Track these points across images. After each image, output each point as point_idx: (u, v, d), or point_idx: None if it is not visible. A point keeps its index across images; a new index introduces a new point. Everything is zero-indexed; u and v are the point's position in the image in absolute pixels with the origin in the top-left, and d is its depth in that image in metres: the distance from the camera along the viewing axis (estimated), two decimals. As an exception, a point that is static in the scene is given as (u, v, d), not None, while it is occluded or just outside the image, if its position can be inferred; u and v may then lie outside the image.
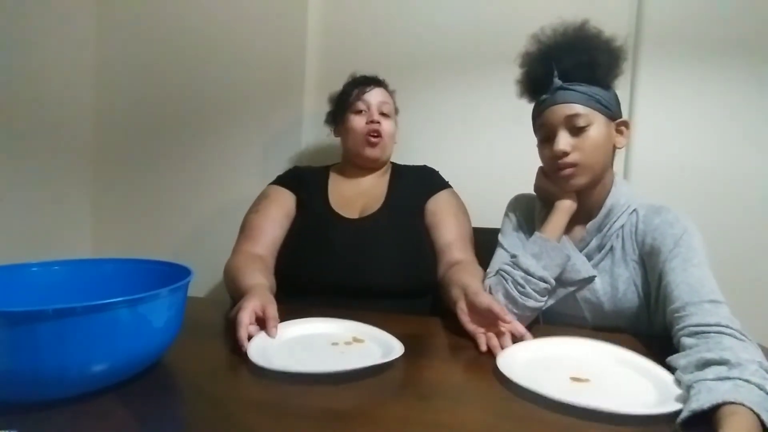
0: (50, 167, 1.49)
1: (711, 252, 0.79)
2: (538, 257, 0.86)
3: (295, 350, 0.71)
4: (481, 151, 1.46)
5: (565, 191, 0.90)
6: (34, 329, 0.49)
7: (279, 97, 1.52)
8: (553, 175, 0.90)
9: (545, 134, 0.89)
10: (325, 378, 0.62)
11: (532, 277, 0.85)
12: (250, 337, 0.71)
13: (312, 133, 1.50)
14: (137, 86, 1.61)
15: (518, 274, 0.85)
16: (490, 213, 1.13)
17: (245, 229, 1.10)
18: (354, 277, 1.02)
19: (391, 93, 1.24)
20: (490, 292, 0.87)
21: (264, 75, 1.52)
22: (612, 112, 0.88)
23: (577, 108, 0.85)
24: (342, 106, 1.20)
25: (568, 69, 0.86)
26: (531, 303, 0.84)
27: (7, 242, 1.33)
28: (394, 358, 0.67)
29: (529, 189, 1.03)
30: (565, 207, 0.90)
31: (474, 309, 0.81)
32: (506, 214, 1.04)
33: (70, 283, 0.72)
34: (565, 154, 0.85)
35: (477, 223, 1.20)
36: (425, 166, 1.25)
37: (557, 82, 0.87)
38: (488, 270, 0.94)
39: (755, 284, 1.28)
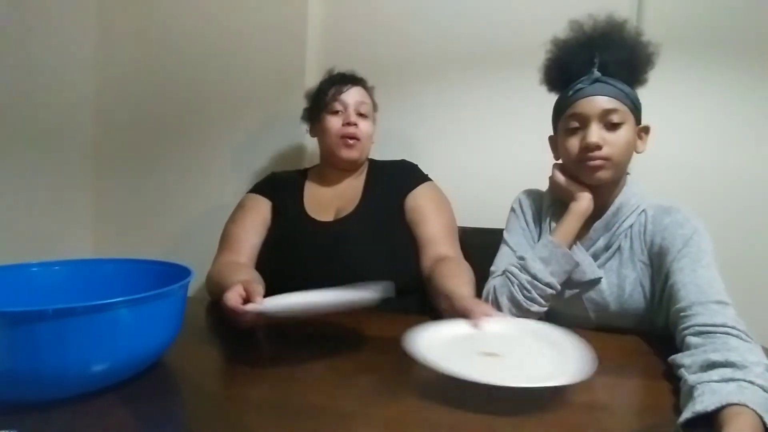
0: (51, 167, 1.49)
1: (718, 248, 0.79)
2: (547, 262, 0.85)
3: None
4: (479, 151, 1.46)
5: (588, 183, 0.87)
6: (34, 329, 0.49)
7: (279, 97, 1.51)
8: (578, 166, 0.86)
9: (575, 124, 0.86)
10: (316, 377, 0.62)
11: (539, 282, 0.84)
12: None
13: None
14: (137, 87, 1.61)
15: (525, 278, 0.84)
16: (490, 213, 1.12)
17: (223, 241, 1.10)
18: (331, 279, 0.96)
19: (369, 90, 1.19)
20: (495, 294, 0.86)
21: (264, 75, 1.51)
22: (639, 114, 0.87)
23: (615, 103, 0.83)
24: (318, 105, 1.15)
25: (609, 62, 0.84)
26: (535, 308, 0.84)
27: (7, 242, 1.33)
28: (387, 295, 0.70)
29: (528, 187, 1.03)
30: (581, 210, 0.87)
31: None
32: (512, 210, 1.01)
33: (70, 283, 0.72)
34: (598, 147, 0.82)
35: (475, 223, 1.20)
36: (404, 160, 1.21)
37: (596, 73, 0.84)
38: (492, 269, 0.93)
39: (755, 284, 1.28)
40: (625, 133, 0.83)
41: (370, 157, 1.22)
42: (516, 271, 0.86)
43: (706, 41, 1.32)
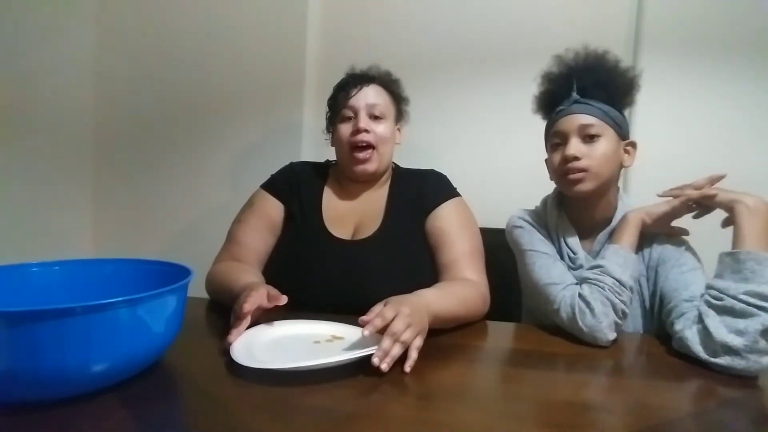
0: (51, 168, 1.50)
1: (711, 255, 0.84)
2: (624, 267, 0.85)
3: (277, 349, 0.71)
4: (480, 151, 1.46)
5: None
6: (34, 329, 0.49)
7: (279, 97, 1.52)
8: (560, 180, 0.94)
9: (557, 142, 0.93)
10: (316, 377, 0.62)
11: (624, 286, 0.83)
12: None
13: (312, 134, 1.50)
14: (137, 87, 1.61)
15: (610, 281, 0.83)
16: (501, 213, 1.11)
17: (227, 240, 1.06)
18: (345, 302, 0.90)
19: (390, 86, 1.08)
20: (585, 300, 0.83)
21: (264, 76, 1.52)
22: (622, 131, 0.93)
23: (591, 119, 0.90)
24: (332, 113, 1.07)
25: (587, 86, 0.91)
26: (626, 310, 0.83)
27: (7, 242, 1.33)
28: (374, 351, 0.65)
29: (537, 188, 1.03)
30: (637, 219, 0.90)
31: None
32: (519, 227, 1.01)
33: (70, 283, 0.72)
34: (576, 158, 0.89)
35: (486, 223, 1.19)
36: (432, 171, 1.11)
37: (575, 96, 0.92)
38: (547, 281, 0.91)
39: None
40: (603, 145, 0.90)
41: (395, 161, 1.14)
42: (599, 276, 0.85)
43: (706, 41, 1.32)
